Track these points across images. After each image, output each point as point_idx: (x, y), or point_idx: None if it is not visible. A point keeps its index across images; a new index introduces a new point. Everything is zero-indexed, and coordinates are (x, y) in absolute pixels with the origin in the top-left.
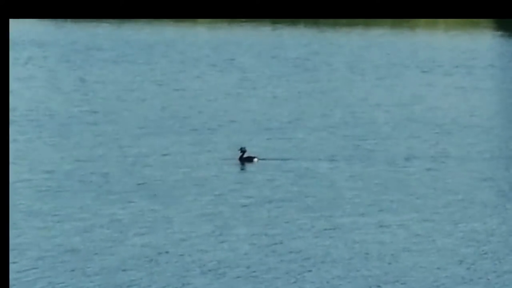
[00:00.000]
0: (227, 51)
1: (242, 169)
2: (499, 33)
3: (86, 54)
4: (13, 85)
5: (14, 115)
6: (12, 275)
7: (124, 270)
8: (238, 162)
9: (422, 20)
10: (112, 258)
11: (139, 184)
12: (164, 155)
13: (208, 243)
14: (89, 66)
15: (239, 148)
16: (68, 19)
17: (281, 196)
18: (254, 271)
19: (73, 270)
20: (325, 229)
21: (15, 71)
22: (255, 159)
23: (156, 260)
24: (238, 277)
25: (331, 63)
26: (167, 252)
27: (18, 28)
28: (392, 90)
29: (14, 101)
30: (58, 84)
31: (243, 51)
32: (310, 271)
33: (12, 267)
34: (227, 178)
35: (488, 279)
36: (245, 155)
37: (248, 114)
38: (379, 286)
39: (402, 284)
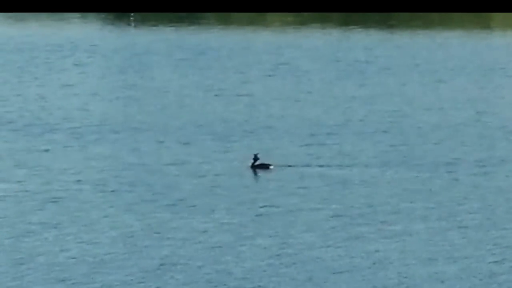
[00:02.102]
0: (289, 55)
1: (254, 177)
2: None
3: (142, 59)
4: (57, 91)
5: (50, 123)
6: (25, 285)
7: (137, 282)
8: (251, 169)
9: (500, 20)
10: (124, 269)
11: (155, 194)
12: (187, 163)
13: (225, 253)
14: (142, 72)
15: (253, 155)
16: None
17: (296, 205)
18: (270, 282)
19: (83, 283)
20: (343, 238)
21: (64, 76)
22: (271, 167)
23: (172, 270)
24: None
25: (392, 66)
26: (183, 263)
27: (75, 31)
28: (447, 93)
29: (53, 108)
30: (105, 91)
31: (305, 55)
32: (327, 281)
33: (25, 277)
34: (240, 186)
35: None
36: (259, 162)
37: (292, 119)
38: None
39: None
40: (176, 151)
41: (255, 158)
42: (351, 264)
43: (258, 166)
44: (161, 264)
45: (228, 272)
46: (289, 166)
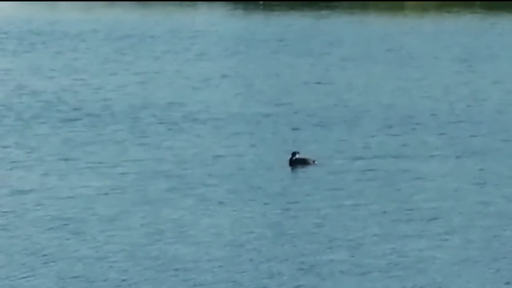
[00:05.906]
0: (403, 41)
1: (293, 173)
2: None
3: (250, 45)
4: (142, 78)
5: (120, 112)
6: (31, 282)
7: (159, 278)
8: (289, 166)
9: None
10: (146, 265)
11: (191, 188)
12: (240, 155)
13: (255, 251)
14: (242, 58)
15: (292, 152)
16: None
17: (337, 200)
18: (304, 280)
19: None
20: (386, 236)
21: (164, 63)
22: (315, 162)
23: (198, 268)
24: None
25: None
26: (210, 260)
27: (196, 17)
28: None
29: (132, 96)
30: (197, 79)
31: (421, 41)
32: (362, 279)
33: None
34: (276, 183)
35: None
36: (299, 157)
37: (376, 109)
38: None
39: None
40: (234, 142)
41: (293, 154)
42: (389, 262)
43: (299, 162)
44: (186, 261)
45: (257, 271)
46: (340, 160)
